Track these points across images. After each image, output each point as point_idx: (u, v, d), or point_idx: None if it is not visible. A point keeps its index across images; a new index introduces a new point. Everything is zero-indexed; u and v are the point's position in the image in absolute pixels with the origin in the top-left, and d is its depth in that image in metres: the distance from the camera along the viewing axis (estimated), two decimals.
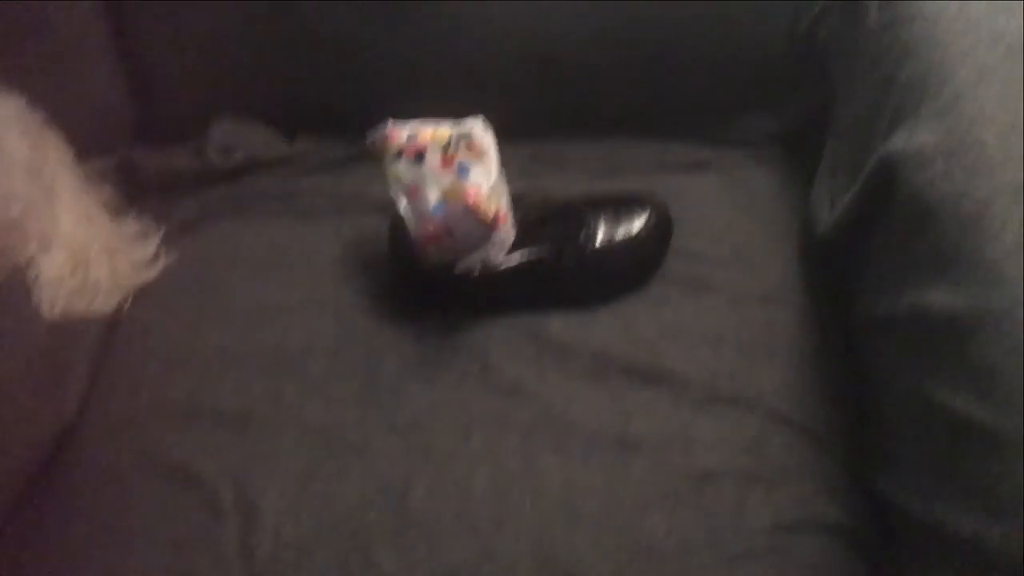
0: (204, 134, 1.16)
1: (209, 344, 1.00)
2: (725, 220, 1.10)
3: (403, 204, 0.98)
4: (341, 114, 1.14)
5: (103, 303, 1.03)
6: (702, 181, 1.14)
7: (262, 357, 0.98)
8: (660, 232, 1.04)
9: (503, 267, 0.99)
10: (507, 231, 0.97)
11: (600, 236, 1.02)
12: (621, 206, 1.04)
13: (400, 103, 1.15)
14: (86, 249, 1.02)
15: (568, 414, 0.93)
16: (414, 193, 0.97)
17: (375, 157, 1.00)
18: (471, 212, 0.91)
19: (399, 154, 0.98)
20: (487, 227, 0.92)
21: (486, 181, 0.94)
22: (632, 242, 1.02)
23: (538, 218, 1.01)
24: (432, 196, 0.96)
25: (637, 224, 1.03)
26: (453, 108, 1.15)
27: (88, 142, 1.10)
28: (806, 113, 1.15)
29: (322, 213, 1.12)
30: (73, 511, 0.90)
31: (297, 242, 1.09)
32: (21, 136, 0.97)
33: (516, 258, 0.99)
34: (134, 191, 1.13)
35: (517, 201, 1.01)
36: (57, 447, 0.94)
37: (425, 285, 1.01)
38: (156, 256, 1.08)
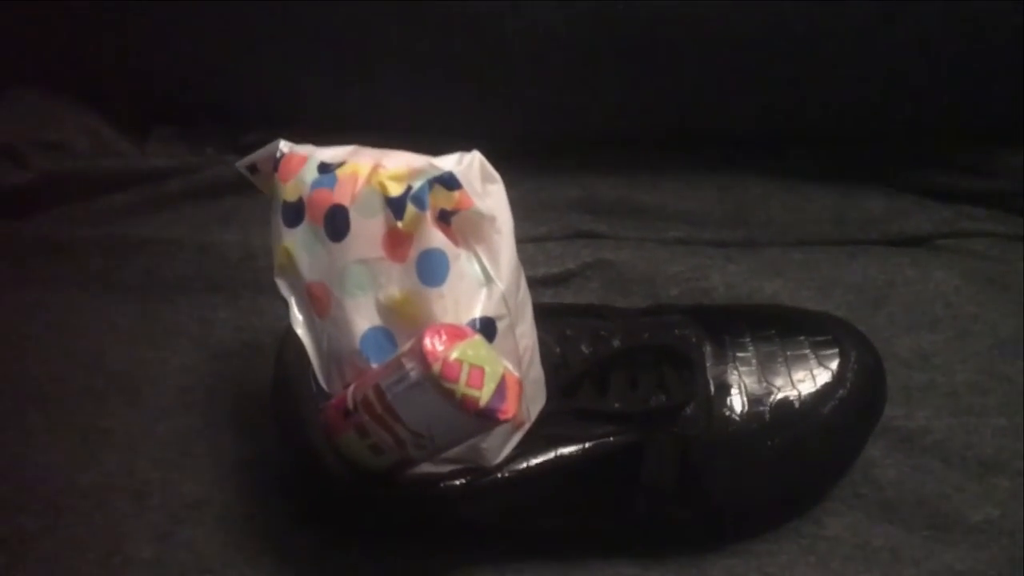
0: None
1: None
2: (978, 364, 0.55)
3: (299, 319, 0.45)
4: (222, 97, 0.61)
5: None
6: (922, 272, 0.59)
7: None
8: (860, 399, 0.49)
9: (516, 469, 0.45)
10: (525, 403, 0.43)
11: (737, 408, 0.47)
12: (777, 341, 0.50)
13: (330, 87, 0.62)
14: None
15: None
16: (320, 301, 0.43)
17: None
18: (436, 383, 0.37)
19: (296, 209, 0.44)
20: (477, 418, 0.38)
21: (480, 299, 0.41)
22: (805, 421, 0.48)
23: (597, 361, 0.47)
24: (358, 319, 0.42)
25: (812, 383, 0.48)
26: (431, 113, 0.62)
27: None
28: None
29: (181, 290, 0.58)
30: None
31: (127, 357, 0.56)
32: None
33: (545, 456, 0.45)
34: None
35: (553, 319, 0.47)
36: None
37: (346, 504, 0.47)
38: None
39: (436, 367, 0.36)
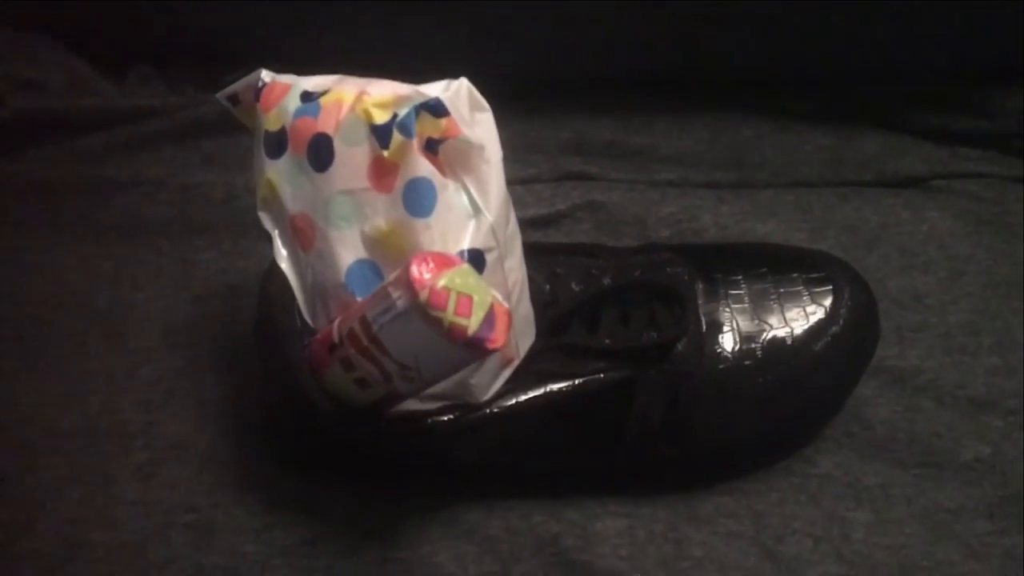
0: None
1: None
2: (971, 304, 0.54)
3: (283, 254, 0.44)
4: (202, 36, 0.60)
5: None
6: (916, 213, 0.58)
7: None
8: (853, 335, 0.48)
9: (505, 405, 0.44)
10: (514, 338, 0.43)
11: (729, 345, 0.47)
12: (769, 279, 0.49)
13: (314, 25, 0.61)
14: None
15: None
16: (303, 233, 0.42)
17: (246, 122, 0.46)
18: (423, 311, 0.36)
19: (279, 139, 0.43)
20: (465, 347, 0.37)
21: (468, 230, 0.40)
22: (797, 358, 0.47)
23: (587, 298, 0.46)
24: (343, 251, 0.41)
25: (805, 320, 0.48)
26: (417, 52, 0.60)
27: None
28: None
29: (163, 232, 0.57)
30: None
31: (109, 299, 0.55)
32: None
33: (535, 392, 0.44)
34: None
35: (543, 257, 0.46)
36: None
37: (331, 442, 0.46)
38: None
39: (423, 295, 0.36)
